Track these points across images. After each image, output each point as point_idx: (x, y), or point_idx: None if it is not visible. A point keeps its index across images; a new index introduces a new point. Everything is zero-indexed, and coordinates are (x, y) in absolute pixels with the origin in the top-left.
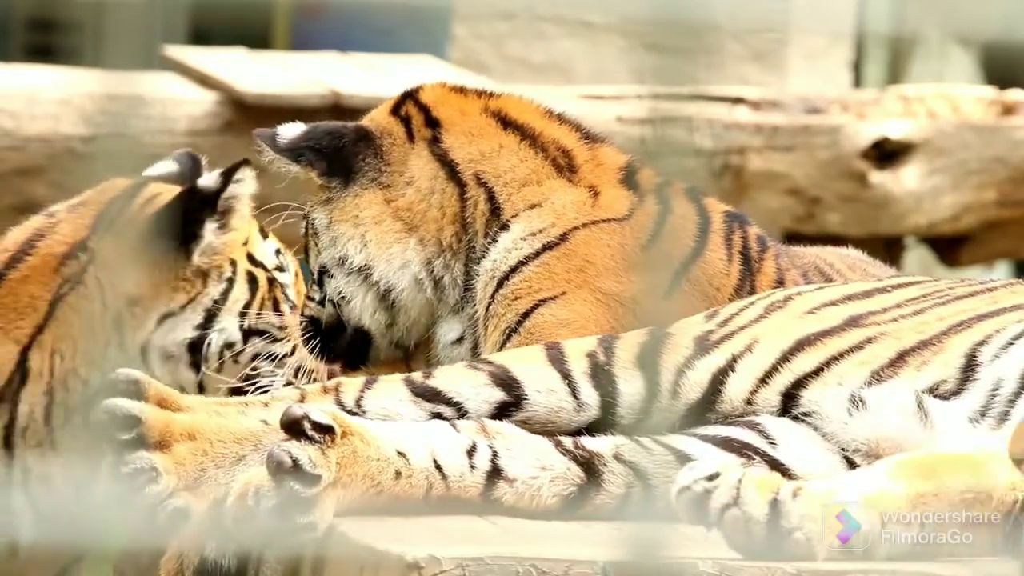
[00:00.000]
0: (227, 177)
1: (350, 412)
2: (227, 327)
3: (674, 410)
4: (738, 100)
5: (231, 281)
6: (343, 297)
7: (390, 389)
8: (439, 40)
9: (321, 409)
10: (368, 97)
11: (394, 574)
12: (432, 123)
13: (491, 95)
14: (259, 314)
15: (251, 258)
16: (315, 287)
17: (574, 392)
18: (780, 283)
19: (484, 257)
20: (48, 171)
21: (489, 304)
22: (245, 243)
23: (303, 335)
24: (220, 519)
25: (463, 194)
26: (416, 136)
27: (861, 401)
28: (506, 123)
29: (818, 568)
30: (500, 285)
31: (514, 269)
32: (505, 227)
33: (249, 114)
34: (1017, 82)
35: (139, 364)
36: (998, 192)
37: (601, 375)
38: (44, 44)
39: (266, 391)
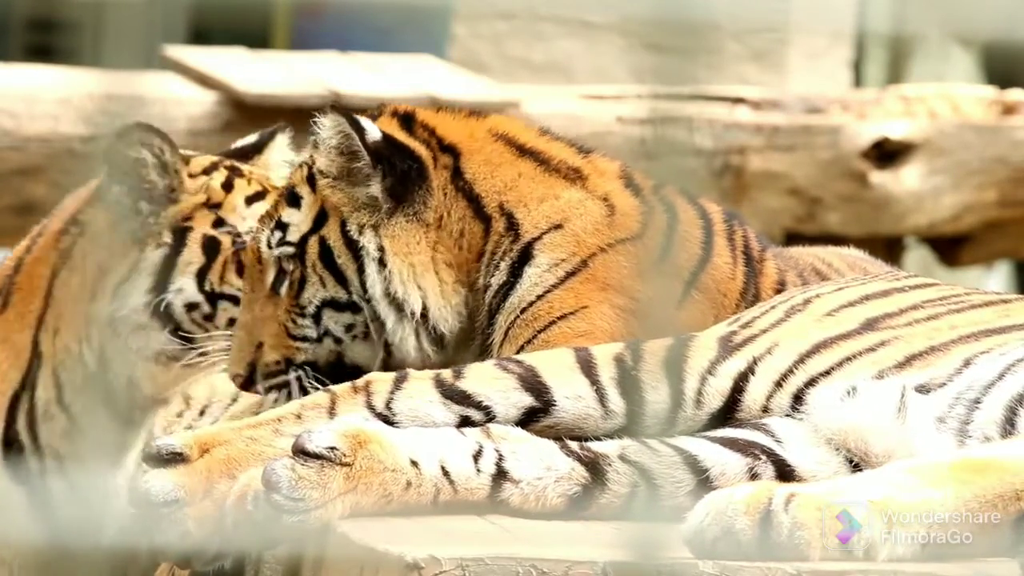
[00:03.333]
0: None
1: (380, 415)
2: (184, 288)
3: (697, 419)
4: (738, 100)
5: (172, 247)
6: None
7: (420, 389)
8: (439, 40)
9: (330, 429)
10: (368, 97)
11: (394, 574)
12: (447, 149)
13: (478, 114)
14: (222, 278)
15: (219, 222)
16: (302, 321)
17: (602, 400)
18: (781, 284)
19: (511, 291)
20: (48, 171)
21: (508, 329)
22: (214, 207)
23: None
24: (221, 520)
25: (487, 228)
26: (438, 164)
27: (853, 390)
28: (519, 148)
29: (818, 568)
30: (523, 312)
31: (539, 297)
32: (528, 257)
33: (249, 114)
34: (1017, 82)
35: (112, 338)
36: (998, 192)
37: (628, 382)
38: (44, 44)
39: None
